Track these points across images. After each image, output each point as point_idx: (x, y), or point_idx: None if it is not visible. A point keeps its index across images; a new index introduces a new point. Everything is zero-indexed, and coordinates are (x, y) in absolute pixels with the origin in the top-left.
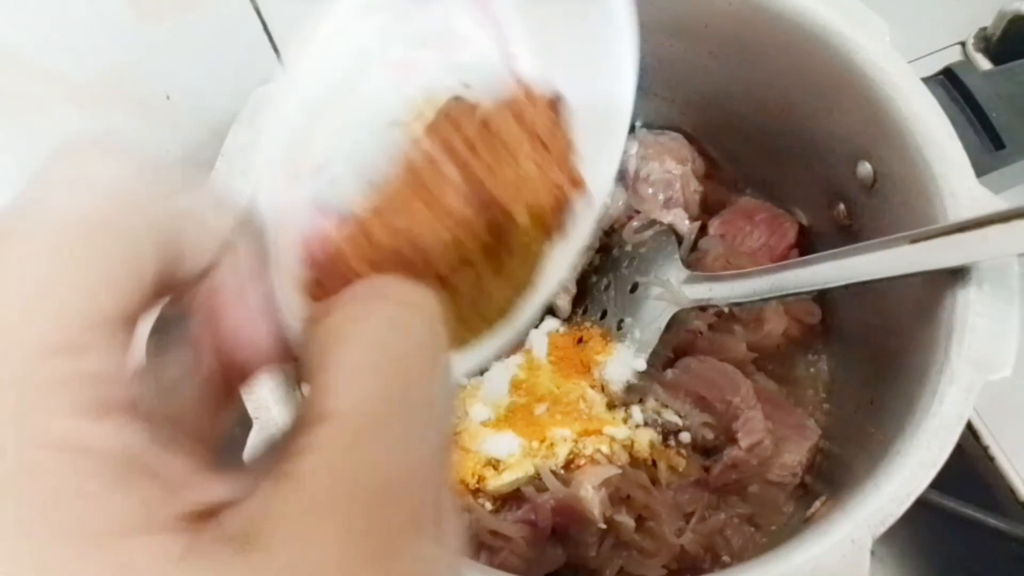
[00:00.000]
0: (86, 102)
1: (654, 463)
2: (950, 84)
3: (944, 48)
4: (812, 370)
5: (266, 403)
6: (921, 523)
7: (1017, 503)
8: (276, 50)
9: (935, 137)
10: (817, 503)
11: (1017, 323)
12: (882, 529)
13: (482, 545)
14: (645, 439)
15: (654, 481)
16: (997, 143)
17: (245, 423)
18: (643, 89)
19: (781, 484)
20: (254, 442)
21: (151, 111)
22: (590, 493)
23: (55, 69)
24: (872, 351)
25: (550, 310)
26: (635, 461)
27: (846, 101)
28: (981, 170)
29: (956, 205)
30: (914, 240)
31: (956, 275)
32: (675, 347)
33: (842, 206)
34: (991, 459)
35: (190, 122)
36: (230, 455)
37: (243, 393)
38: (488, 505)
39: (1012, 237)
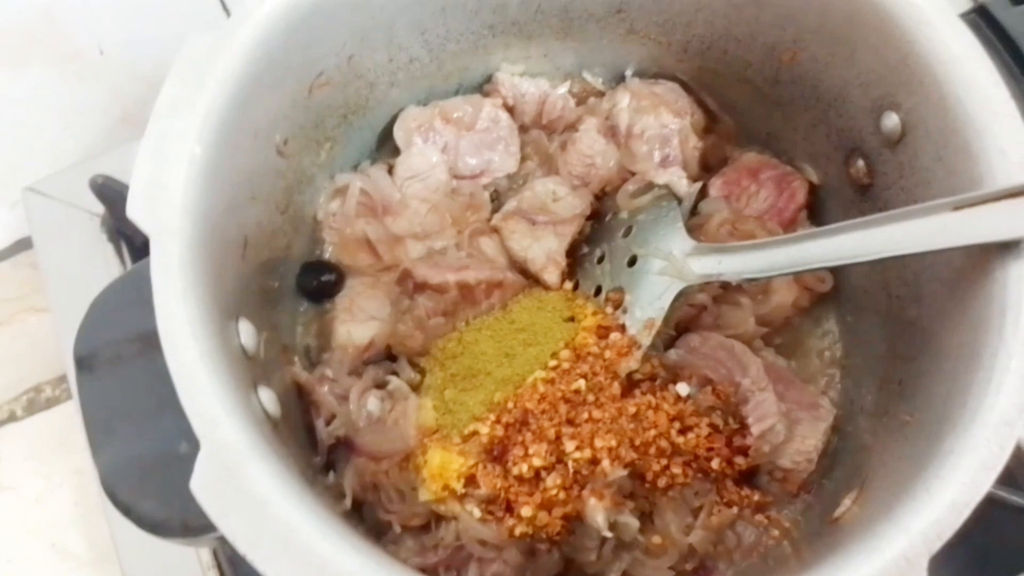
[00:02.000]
0: (5, 56)
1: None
2: (983, 23)
3: None
4: (823, 341)
5: (213, 419)
6: None
7: None
8: None
9: (978, 84)
10: (847, 501)
11: None
12: (939, 544)
13: (471, 557)
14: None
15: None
16: None
17: (193, 441)
18: (634, 32)
19: (796, 471)
20: (204, 467)
21: (84, 67)
22: (593, 504)
23: None
24: (894, 323)
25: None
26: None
27: (869, 43)
28: None
29: (1005, 163)
30: (957, 207)
31: (1006, 243)
32: (676, 322)
33: (861, 162)
34: None
35: (126, 78)
36: (179, 476)
37: (187, 407)
38: (476, 511)
39: None
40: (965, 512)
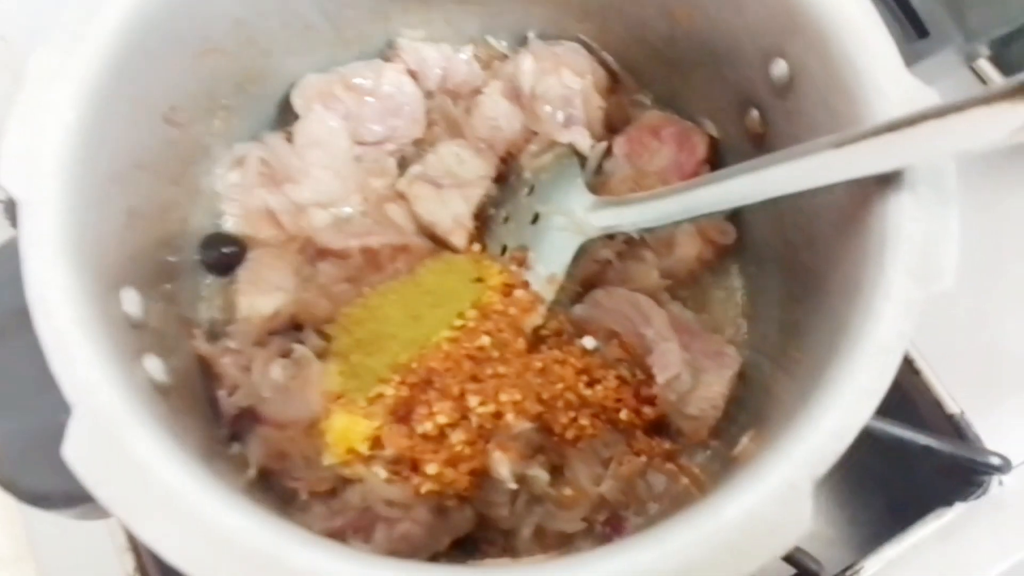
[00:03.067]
0: None
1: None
2: None
3: None
4: (728, 293)
5: (87, 383)
6: None
7: (943, 416)
8: None
9: (856, 25)
10: (744, 439)
11: (956, 228)
12: (823, 469)
13: (378, 517)
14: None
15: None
16: (920, 30)
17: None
18: None
19: (702, 418)
20: (77, 433)
21: None
22: (497, 456)
23: None
24: (791, 268)
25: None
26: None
27: None
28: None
29: (884, 103)
30: (839, 144)
31: (886, 178)
32: (583, 279)
33: (755, 113)
34: (916, 372)
35: None
36: (51, 445)
37: (59, 372)
38: (383, 472)
39: (949, 135)
40: (848, 437)
